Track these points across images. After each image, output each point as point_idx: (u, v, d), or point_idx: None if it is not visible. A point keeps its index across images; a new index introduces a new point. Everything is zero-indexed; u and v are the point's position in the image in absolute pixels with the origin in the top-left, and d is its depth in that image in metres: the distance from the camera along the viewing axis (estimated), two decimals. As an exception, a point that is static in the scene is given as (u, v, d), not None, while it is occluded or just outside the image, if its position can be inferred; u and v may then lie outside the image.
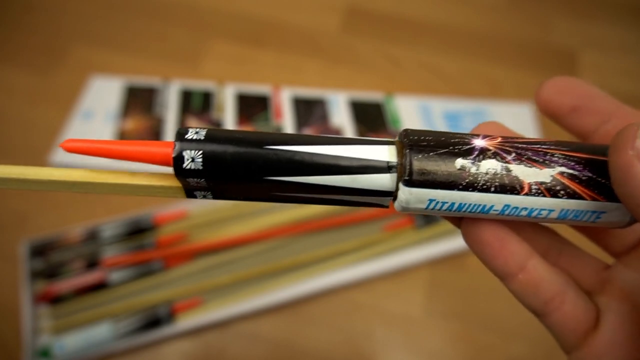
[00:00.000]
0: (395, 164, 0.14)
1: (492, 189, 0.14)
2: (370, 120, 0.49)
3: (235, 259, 0.41)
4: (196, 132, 0.14)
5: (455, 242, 0.42)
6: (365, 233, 0.42)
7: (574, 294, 0.16)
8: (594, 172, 0.14)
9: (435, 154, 0.14)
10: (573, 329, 0.16)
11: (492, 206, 0.14)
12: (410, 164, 0.13)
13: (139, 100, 0.49)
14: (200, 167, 0.14)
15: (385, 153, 0.14)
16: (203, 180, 0.14)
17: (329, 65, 0.54)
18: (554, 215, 0.14)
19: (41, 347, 0.36)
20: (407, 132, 0.14)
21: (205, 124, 0.48)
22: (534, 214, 0.14)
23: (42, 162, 0.46)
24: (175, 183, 0.15)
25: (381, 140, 0.14)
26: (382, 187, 0.14)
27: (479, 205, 0.14)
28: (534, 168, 0.14)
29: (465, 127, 0.47)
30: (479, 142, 0.14)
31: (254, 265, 0.40)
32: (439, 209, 0.14)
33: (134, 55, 0.53)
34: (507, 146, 0.14)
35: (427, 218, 0.42)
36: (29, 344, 0.36)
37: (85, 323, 0.37)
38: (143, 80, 0.51)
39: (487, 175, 0.14)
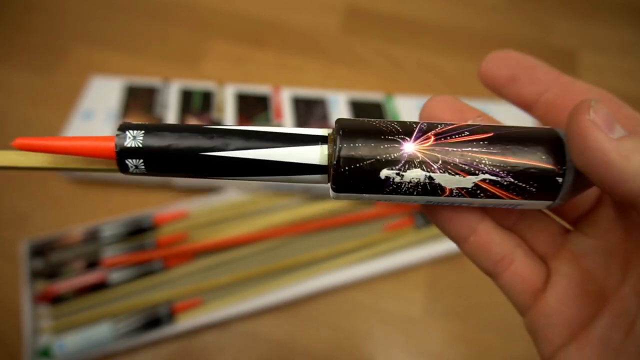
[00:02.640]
0: (325, 165, 0.15)
1: (415, 193, 0.14)
2: (370, 120, 0.49)
3: (235, 259, 0.41)
4: (134, 138, 0.15)
5: (455, 242, 0.42)
6: (365, 233, 0.42)
7: (523, 255, 0.17)
8: (518, 179, 0.14)
9: (362, 165, 0.14)
10: (522, 289, 0.17)
11: (416, 201, 0.15)
12: (337, 177, 0.14)
13: (139, 100, 0.49)
14: (144, 171, 0.15)
15: (318, 155, 0.15)
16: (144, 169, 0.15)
17: (329, 65, 0.54)
18: (474, 205, 0.15)
19: (41, 346, 0.36)
20: (340, 128, 0.15)
21: (205, 124, 0.48)
22: (456, 204, 0.15)
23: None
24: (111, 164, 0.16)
25: (315, 136, 0.15)
26: (316, 181, 0.15)
27: (404, 201, 0.15)
28: (457, 176, 0.14)
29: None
30: (408, 148, 0.14)
31: (254, 265, 0.40)
32: (369, 201, 0.16)
33: (134, 55, 0.53)
34: (436, 151, 0.14)
35: (427, 219, 0.42)
36: (30, 344, 0.36)
37: (85, 323, 0.37)
38: (143, 80, 0.51)
39: (411, 184, 0.14)
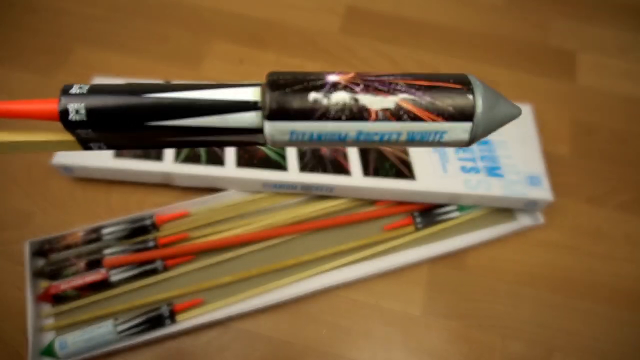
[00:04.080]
0: (259, 102, 0.16)
1: (344, 117, 0.15)
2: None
3: (236, 259, 0.41)
4: (80, 87, 0.16)
5: (455, 242, 0.42)
6: (365, 233, 0.42)
7: None
8: (432, 96, 0.15)
9: (291, 90, 0.15)
10: None
11: (347, 133, 0.16)
12: (270, 101, 0.15)
13: (140, 101, 0.49)
14: (85, 119, 0.15)
15: (251, 94, 0.16)
16: (90, 130, 0.16)
17: (329, 65, 0.54)
18: (403, 137, 0.16)
19: (44, 345, 0.37)
20: (269, 74, 0.16)
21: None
22: (386, 137, 0.16)
23: (44, 162, 0.46)
24: (70, 137, 0.16)
25: (249, 83, 0.16)
26: (250, 124, 0.16)
27: (336, 133, 0.16)
28: (379, 96, 0.15)
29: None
30: (331, 78, 0.16)
31: (255, 265, 0.40)
32: (303, 140, 0.16)
33: (135, 56, 0.54)
34: (357, 79, 0.16)
35: (426, 219, 0.42)
36: (32, 343, 0.36)
37: (87, 322, 0.38)
38: (144, 81, 0.51)
39: (338, 106, 0.15)
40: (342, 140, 0.16)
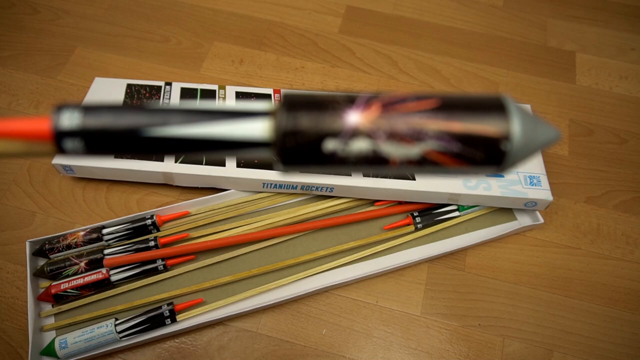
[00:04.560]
0: (270, 141, 0.14)
1: (362, 164, 0.14)
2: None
3: (236, 259, 0.41)
4: (71, 116, 0.14)
5: (455, 242, 0.42)
6: (365, 232, 0.42)
7: None
8: (463, 144, 0.14)
9: (306, 138, 0.14)
10: None
11: (365, 171, 0.15)
12: (282, 151, 0.14)
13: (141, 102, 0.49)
14: (84, 152, 0.14)
15: (260, 130, 0.14)
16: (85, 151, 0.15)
17: (329, 65, 0.54)
18: (422, 173, 0.15)
19: (45, 344, 0.37)
20: (284, 101, 0.14)
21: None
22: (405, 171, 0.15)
23: (44, 162, 0.46)
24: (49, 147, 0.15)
25: (259, 111, 0.14)
26: (263, 155, 0.15)
27: (352, 172, 0.15)
28: (404, 146, 0.14)
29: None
30: (353, 118, 0.14)
31: (255, 264, 0.40)
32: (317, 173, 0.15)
33: (136, 56, 0.54)
34: (382, 121, 0.14)
35: (426, 219, 0.42)
36: (32, 343, 0.36)
37: (87, 322, 0.38)
38: (145, 82, 0.51)
39: (357, 155, 0.14)
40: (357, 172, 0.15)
